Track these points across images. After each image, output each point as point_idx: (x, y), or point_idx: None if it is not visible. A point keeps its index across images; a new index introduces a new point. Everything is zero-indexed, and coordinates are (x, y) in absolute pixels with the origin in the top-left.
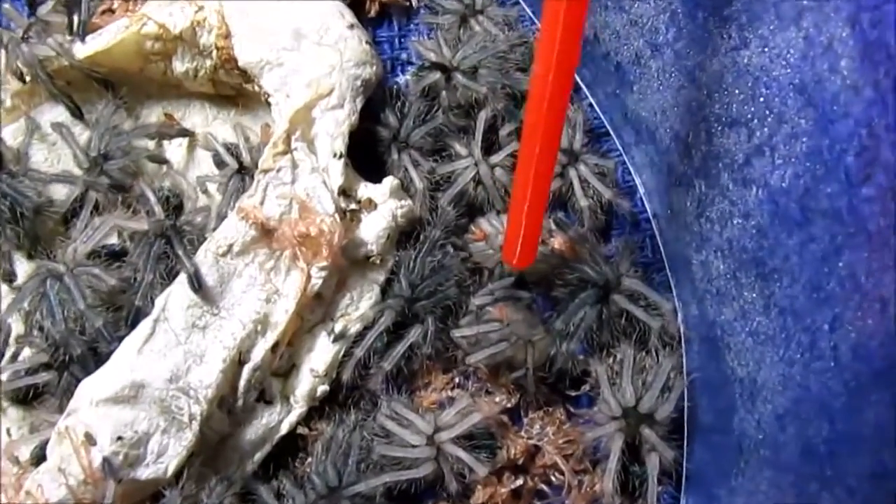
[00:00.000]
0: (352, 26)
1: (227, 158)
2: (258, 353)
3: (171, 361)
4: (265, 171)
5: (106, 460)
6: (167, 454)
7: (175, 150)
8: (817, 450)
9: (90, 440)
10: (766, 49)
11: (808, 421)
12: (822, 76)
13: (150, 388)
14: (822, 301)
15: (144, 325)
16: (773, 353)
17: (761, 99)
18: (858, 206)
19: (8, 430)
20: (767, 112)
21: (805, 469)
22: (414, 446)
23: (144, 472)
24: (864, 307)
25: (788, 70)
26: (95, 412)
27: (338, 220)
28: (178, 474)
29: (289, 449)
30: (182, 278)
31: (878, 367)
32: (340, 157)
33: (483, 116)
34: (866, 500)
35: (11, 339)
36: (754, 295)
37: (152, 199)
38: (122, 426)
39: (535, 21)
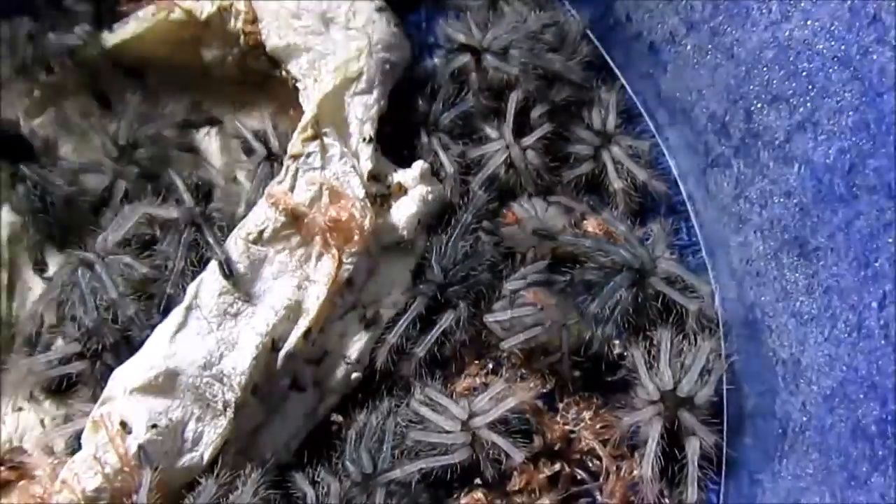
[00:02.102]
0: (380, 9)
1: (256, 145)
2: (291, 339)
3: (204, 348)
4: (294, 157)
5: (141, 448)
6: (202, 442)
7: (203, 138)
8: (868, 430)
9: (125, 428)
10: (808, 22)
11: (857, 402)
12: (868, 48)
13: (183, 376)
14: (869, 279)
15: (176, 313)
16: (817, 333)
17: (804, 74)
18: None
19: (42, 421)
20: (810, 87)
21: (855, 451)
22: (449, 432)
23: (180, 461)
24: None
25: (832, 43)
26: (130, 400)
27: (368, 204)
28: (213, 462)
29: (323, 437)
30: (213, 266)
31: None
32: (370, 141)
33: (514, 98)
34: None
35: (44, 330)
36: (797, 275)
37: (181, 186)
38: (156, 414)
39: (564, 1)
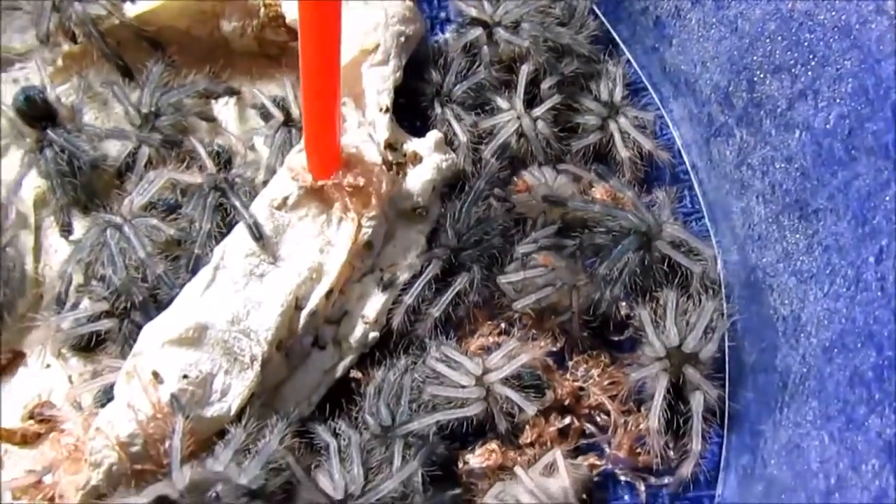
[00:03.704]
0: None
1: (274, 111)
2: (313, 299)
3: (231, 306)
4: None
5: (174, 397)
6: (230, 393)
7: (222, 107)
8: (865, 376)
9: (157, 378)
10: None
11: (855, 350)
12: (867, 17)
13: (212, 330)
14: (867, 235)
15: (205, 272)
16: (817, 290)
17: (805, 44)
18: None
19: (69, 378)
20: (811, 56)
21: (852, 396)
22: (464, 387)
23: (209, 410)
24: None
25: (833, 13)
26: (161, 353)
27: (385, 171)
28: (240, 413)
29: (343, 392)
30: (239, 228)
31: None
32: (386, 111)
33: (525, 70)
34: None
35: (71, 289)
36: (797, 236)
37: (203, 153)
38: (187, 365)
39: None
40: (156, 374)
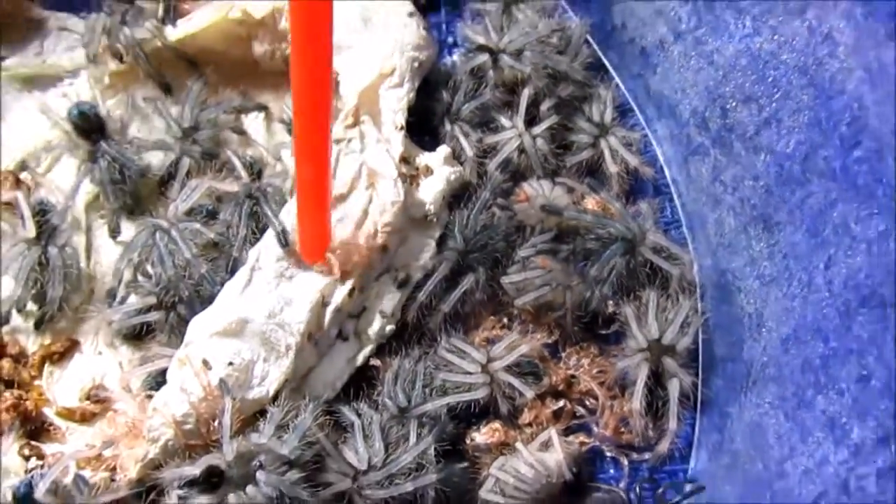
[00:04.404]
0: (411, 14)
1: None
2: (337, 297)
3: (267, 302)
4: (337, 141)
5: (222, 381)
6: (268, 378)
7: (251, 122)
8: (813, 364)
9: (207, 365)
10: (775, 36)
11: (806, 342)
12: (822, 60)
13: (252, 323)
14: (818, 245)
15: (243, 273)
16: (777, 291)
17: (770, 79)
18: (850, 166)
19: (119, 364)
20: (775, 90)
21: (803, 380)
22: (470, 373)
23: (251, 393)
24: (853, 248)
25: (794, 54)
26: (209, 343)
27: (400, 183)
28: (275, 396)
29: (363, 379)
30: (270, 234)
31: (864, 293)
32: (401, 129)
33: (526, 93)
34: (854, 399)
35: (121, 286)
36: (762, 244)
37: (238, 164)
38: (231, 354)
39: (568, 10)
40: (205, 362)
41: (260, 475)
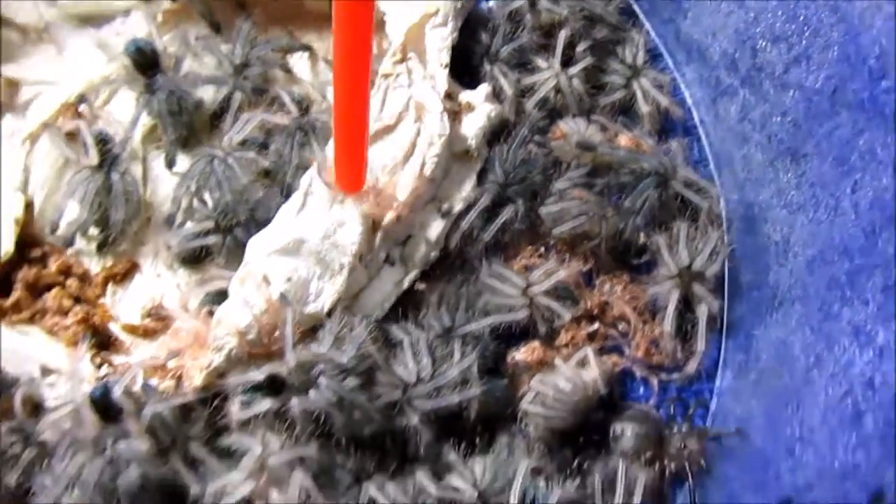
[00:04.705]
0: None
1: None
2: (385, 221)
3: (321, 224)
4: (385, 76)
5: (282, 294)
6: (323, 295)
7: (297, 61)
8: (839, 280)
9: (266, 281)
10: None
11: (832, 262)
12: None
13: (308, 243)
14: (845, 172)
15: (297, 197)
16: (803, 217)
17: (801, 18)
18: (878, 96)
19: (178, 285)
20: (805, 28)
21: (829, 296)
22: (511, 296)
23: (307, 308)
24: (879, 171)
25: None
26: (268, 261)
27: (446, 117)
28: (329, 313)
29: (410, 303)
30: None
31: (889, 213)
32: (445, 66)
33: (563, 35)
34: (878, 306)
35: (178, 212)
36: (789, 175)
37: (287, 100)
38: (289, 271)
39: None
40: (265, 278)
41: (321, 380)
